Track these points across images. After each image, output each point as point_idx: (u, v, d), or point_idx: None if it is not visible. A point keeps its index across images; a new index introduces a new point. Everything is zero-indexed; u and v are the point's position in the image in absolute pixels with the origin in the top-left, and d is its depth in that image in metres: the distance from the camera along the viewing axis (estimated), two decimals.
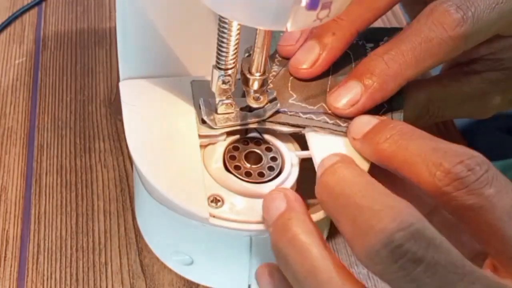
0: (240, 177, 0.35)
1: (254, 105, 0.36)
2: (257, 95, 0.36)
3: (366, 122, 0.34)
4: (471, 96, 0.41)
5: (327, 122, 0.36)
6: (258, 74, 0.35)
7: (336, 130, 0.35)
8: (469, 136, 0.52)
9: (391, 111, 0.37)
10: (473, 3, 0.34)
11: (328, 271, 0.27)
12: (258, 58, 0.34)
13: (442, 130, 0.49)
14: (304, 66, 0.37)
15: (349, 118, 0.36)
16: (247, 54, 0.36)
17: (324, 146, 0.36)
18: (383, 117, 0.34)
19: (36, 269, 0.40)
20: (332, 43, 0.36)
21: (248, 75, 0.35)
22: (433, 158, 0.28)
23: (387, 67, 0.35)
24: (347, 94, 0.35)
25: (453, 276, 0.25)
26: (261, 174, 0.35)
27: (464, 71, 0.41)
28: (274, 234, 0.30)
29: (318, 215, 0.34)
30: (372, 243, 0.26)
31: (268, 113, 0.36)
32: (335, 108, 0.36)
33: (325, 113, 0.36)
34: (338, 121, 0.36)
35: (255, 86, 0.35)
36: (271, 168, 0.36)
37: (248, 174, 0.35)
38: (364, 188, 0.28)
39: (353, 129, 0.34)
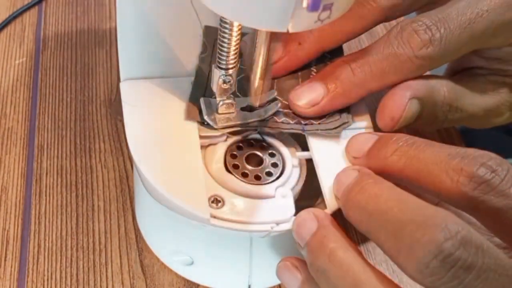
0: (241, 178, 0.35)
1: (255, 104, 0.36)
2: (258, 94, 0.36)
3: (365, 140, 0.34)
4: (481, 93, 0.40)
5: (289, 123, 0.36)
6: (259, 73, 0.35)
7: (296, 129, 0.36)
8: (468, 136, 0.52)
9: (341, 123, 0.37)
10: (443, 24, 0.35)
11: (371, 284, 0.27)
12: (259, 57, 0.34)
13: (442, 129, 0.49)
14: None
15: (308, 118, 0.36)
16: (248, 51, 0.36)
17: (324, 146, 0.36)
18: (380, 133, 0.34)
19: (37, 269, 0.40)
20: (296, 51, 0.37)
21: (249, 74, 0.35)
22: (452, 164, 0.28)
23: (353, 74, 0.35)
24: (309, 94, 0.36)
25: (504, 279, 0.25)
26: (262, 175, 0.35)
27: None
28: (311, 254, 0.30)
29: None
30: (421, 255, 0.25)
31: (269, 113, 0.36)
32: (296, 105, 0.36)
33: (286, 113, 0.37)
34: (312, 120, 0.36)
35: (256, 85, 0.35)
36: (272, 169, 0.36)
37: (249, 175, 0.35)
38: (399, 201, 0.28)
39: (352, 149, 0.34)
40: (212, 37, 0.38)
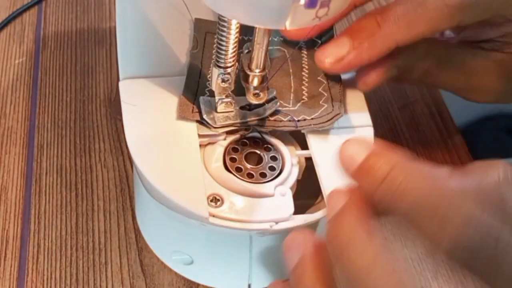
0: (240, 176, 0.35)
1: (254, 101, 0.36)
2: (257, 91, 0.36)
3: (355, 154, 0.30)
4: (472, 70, 0.40)
5: (282, 120, 0.36)
6: (258, 70, 0.35)
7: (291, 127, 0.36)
8: (469, 136, 0.52)
9: (332, 99, 0.37)
10: None
11: None
12: (258, 55, 0.34)
13: (442, 129, 0.49)
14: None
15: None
16: (246, 51, 0.36)
17: (324, 145, 0.36)
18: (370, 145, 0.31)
19: (36, 269, 0.40)
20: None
21: (248, 72, 0.35)
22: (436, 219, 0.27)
23: (379, 27, 0.34)
24: (336, 50, 0.35)
25: None
26: (261, 174, 0.35)
27: (472, 46, 0.40)
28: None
29: (318, 215, 0.34)
30: None
31: (268, 112, 0.36)
32: (323, 63, 0.35)
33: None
34: (304, 116, 0.36)
35: (255, 82, 0.35)
36: (271, 168, 0.36)
37: (248, 174, 0.35)
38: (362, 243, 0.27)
39: (343, 163, 0.31)
40: (203, 31, 0.38)
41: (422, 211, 0.26)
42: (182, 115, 0.36)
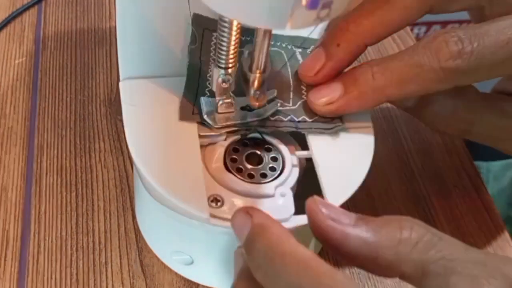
0: (241, 177, 0.35)
1: (254, 103, 0.36)
2: (258, 93, 0.36)
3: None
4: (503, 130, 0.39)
5: (283, 121, 0.36)
6: (258, 72, 0.35)
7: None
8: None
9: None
10: (478, 39, 0.33)
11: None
12: (259, 56, 0.34)
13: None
14: (310, 74, 0.37)
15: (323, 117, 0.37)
16: (247, 52, 0.36)
17: (324, 146, 0.36)
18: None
19: (37, 269, 0.40)
20: (337, 54, 0.36)
21: (249, 73, 0.35)
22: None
23: (372, 79, 0.34)
24: (327, 93, 0.36)
25: None
26: (261, 174, 0.35)
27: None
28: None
29: None
30: None
31: (269, 112, 0.36)
32: (313, 103, 0.36)
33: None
34: (305, 117, 0.37)
35: (255, 84, 0.35)
36: (272, 169, 0.36)
37: (248, 174, 0.35)
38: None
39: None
40: (201, 27, 0.38)
41: None
42: (183, 117, 0.36)
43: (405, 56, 0.34)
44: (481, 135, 0.39)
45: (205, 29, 0.38)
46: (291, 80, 0.38)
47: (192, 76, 0.37)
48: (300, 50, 0.40)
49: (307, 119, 0.36)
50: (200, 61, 0.38)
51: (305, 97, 0.37)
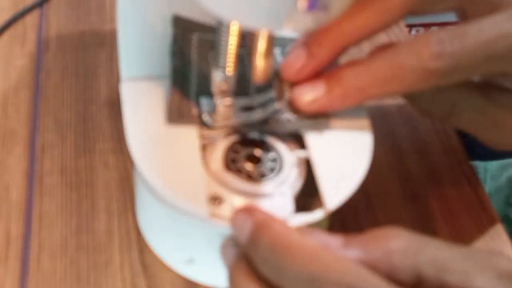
0: (240, 176, 0.35)
1: (258, 82, 0.36)
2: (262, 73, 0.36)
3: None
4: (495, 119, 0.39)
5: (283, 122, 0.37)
6: (263, 52, 0.35)
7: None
8: (468, 136, 0.52)
9: None
10: (459, 39, 0.33)
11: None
12: (262, 35, 0.34)
13: (440, 131, 0.50)
14: (291, 72, 0.37)
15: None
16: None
17: (322, 145, 0.36)
18: None
19: (38, 268, 0.40)
20: (319, 54, 0.36)
21: (253, 53, 0.35)
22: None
23: (355, 78, 0.35)
24: (311, 92, 0.36)
25: None
26: (261, 174, 0.36)
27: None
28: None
29: (317, 215, 0.34)
30: None
31: (267, 112, 0.36)
32: (297, 101, 0.36)
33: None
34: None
35: (260, 64, 0.35)
36: (271, 168, 0.36)
37: (248, 174, 0.35)
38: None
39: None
40: (181, 28, 0.38)
41: None
42: (172, 120, 0.36)
43: (388, 56, 0.35)
44: (463, 120, 0.39)
45: (185, 30, 0.38)
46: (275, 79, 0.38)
47: (177, 78, 0.38)
48: (279, 49, 0.40)
49: (295, 117, 0.37)
50: (183, 63, 0.38)
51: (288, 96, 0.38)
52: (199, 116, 0.36)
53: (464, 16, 0.37)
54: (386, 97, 0.36)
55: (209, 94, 0.37)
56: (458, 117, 0.39)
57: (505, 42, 0.34)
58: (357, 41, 0.36)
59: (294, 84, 0.37)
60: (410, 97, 0.39)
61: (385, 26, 0.36)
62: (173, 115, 0.36)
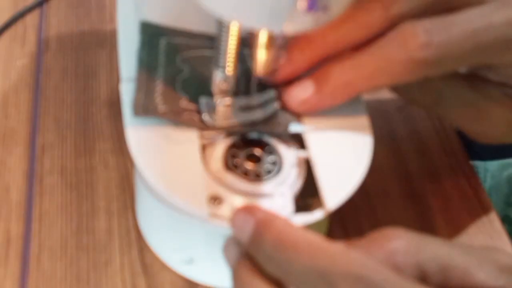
0: (240, 176, 0.35)
1: (261, 74, 0.36)
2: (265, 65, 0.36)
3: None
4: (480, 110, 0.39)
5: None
6: (265, 42, 0.35)
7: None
8: (467, 138, 0.52)
9: None
10: (446, 29, 0.33)
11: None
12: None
13: (440, 131, 0.50)
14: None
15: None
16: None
17: (323, 145, 0.36)
18: None
19: (38, 268, 0.40)
20: (298, 60, 0.36)
21: (255, 45, 0.35)
22: None
23: (343, 74, 0.35)
24: (300, 93, 0.36)
25: None
26: (261, 174, 0.36)
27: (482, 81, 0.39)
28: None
29: (317, 215, 0.34)
30: None
31: (268, 112, 0.36)
32: (287, 103, 0.36)
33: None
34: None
35: (262, 55, 0.35)
36: (271, 168, 0.36)
37: (248, 174, 0.35)
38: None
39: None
40: (148, 34, 0.38)
41: None
42: (138, 113, 0.36)
43: (374, 50, 0.34)
44: (449, 111, 0.39)
45: (152, 35, 0.38)
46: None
47: (141, 81, 0.37)
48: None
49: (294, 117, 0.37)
50: (149, 66, 0.38)
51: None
52: (199, 116, 0.36)
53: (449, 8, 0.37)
54: (375, 90, 0.36)
55: (176, 94, 0.36)
56: (444, 107, 0.39)
57: (492, 33, 0.33)
58: (338, 52, 0.36)
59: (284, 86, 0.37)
60: (397, 86, 0.39)
61: (366, 39, 0.36)
62: (139, 109, 0.36)
